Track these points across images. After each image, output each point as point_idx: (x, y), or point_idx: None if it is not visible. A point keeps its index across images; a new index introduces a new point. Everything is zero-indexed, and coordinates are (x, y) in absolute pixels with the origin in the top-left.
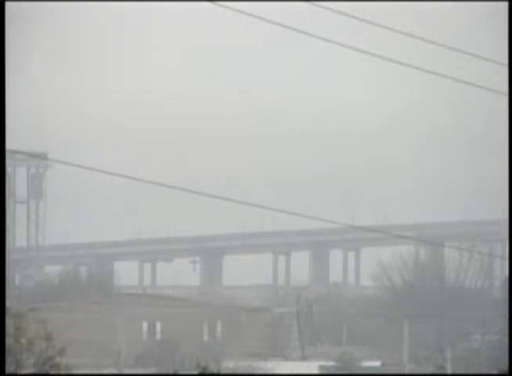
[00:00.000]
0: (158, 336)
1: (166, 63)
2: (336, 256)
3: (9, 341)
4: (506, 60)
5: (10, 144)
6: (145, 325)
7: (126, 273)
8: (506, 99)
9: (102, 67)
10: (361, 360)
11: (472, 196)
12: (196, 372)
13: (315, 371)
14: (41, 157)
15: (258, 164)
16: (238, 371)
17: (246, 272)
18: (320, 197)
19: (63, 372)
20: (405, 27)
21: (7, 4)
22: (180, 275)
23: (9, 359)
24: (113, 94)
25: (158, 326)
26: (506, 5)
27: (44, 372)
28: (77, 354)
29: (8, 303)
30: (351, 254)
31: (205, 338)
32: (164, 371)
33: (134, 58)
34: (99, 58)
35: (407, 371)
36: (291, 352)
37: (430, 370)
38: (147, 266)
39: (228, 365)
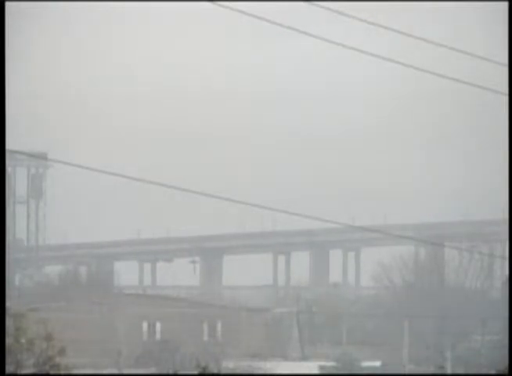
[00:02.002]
0: (158, 336)
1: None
2: (336, 256)
3: (9, 341)
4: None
5: (10, 145)
6: (145, 325)
7: (126, 273)
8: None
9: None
10: (361, 360)
11: (472, 196)
12: (196, 372)
13: (315, 371)
14: (41, 157)
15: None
16: (238, 371)
17: (246, 272)
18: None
19: (63, 372)
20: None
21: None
22: (180, 275)
23: (9, 359)
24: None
25: (158, 326)
26: (506, 5)
27: (44, 372)
28: (77, 354)
29: (8, 303)
30: (351, 254)
31: (205, 338)
32: (164, 371)
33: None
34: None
35: (407, 371)
36: (291, 352)
37: (431, 370)
38: (147, 266)
39: (228, 365)
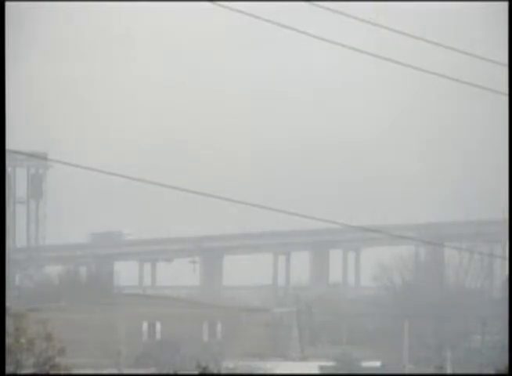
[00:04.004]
0: (158, 336)
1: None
2: (336, 256)
3: (8, 341)
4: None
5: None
6: (145, 325)
7: (126, 273)
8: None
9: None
10: (361, 360)
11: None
12: (196, 372)
13: (315, 371)
14: (41, 157)
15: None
16: (238, 371)
17: (246, 273)
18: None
19: (62, 372)
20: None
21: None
22: (180, 275)
23: (9, 360)
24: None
25: (158, 326)
26: (506, 5)
27: (44, 372)
28: (77, 354)
29: (8, 303)
30: (351, 254)
31: (205, 338)
32: (164, 371)
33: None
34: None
35: (407, 371)
36: (291, 352)
37: (430, 370)
38: (147, 266)
39: (228, 365)
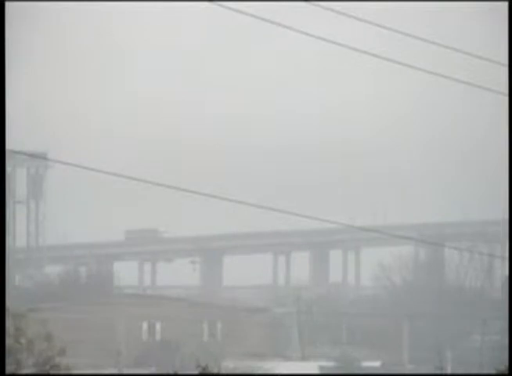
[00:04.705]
0: (158, 336)
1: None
2: (336, 256)
3: (9, 341)
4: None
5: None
6: (145, 325)
7: (126, 273)
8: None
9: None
10: (361, 360)
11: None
12: (196, 372)
13: (315, 371)
14: (40, 157)
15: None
16: (238, 371)
17: (246, 272)
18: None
19: (62, 372)
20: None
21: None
22: (180, 275)
23: (9, 360)
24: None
25: (158, 326)
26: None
27: (44, 372)
28: (77, 354)
29: (8, 303)
30: (351, 254)
31: (205, 338)
32: (164, 371)
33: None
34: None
35: (407, 371)
36: (291, 352)
37: (430, 370)
38: (147, 266)
39: (228, 365)
